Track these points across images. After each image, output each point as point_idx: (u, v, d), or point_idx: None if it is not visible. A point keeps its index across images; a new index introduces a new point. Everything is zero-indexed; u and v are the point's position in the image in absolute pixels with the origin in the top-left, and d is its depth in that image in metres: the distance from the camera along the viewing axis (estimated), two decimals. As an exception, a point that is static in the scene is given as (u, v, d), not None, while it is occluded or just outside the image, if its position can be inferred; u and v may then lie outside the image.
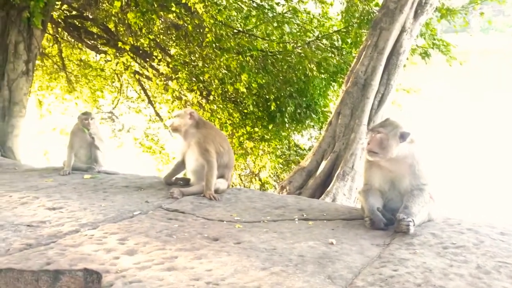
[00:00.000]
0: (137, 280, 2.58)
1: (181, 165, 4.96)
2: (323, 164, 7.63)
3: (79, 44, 12.46)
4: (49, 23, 10.19)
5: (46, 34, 10.77)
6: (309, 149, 11.40)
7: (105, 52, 12.02)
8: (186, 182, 4.96)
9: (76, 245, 3.08)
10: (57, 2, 10.18)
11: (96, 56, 12.95)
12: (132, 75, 12.42)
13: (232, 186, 6.44)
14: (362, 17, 10.20)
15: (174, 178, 5.00)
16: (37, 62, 10.72)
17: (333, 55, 10.65)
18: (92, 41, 12.00)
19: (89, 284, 2.65)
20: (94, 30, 11.85)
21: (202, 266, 2.81)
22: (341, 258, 3.01)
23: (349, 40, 10.67)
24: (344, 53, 10.71)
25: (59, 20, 10.97)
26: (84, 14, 11.48)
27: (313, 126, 11.23)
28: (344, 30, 10.73)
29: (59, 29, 11.79)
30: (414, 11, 7.81)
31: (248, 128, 11.04)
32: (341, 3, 10.84)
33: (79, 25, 11.81)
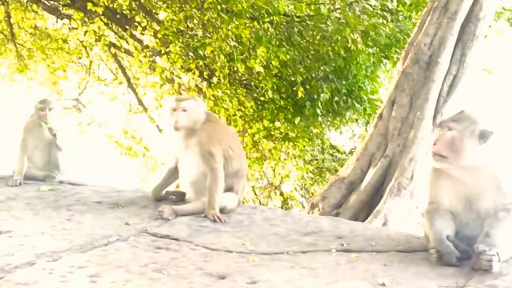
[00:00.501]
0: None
1: (174, 173, 5.00)
2: (370, 174, 7.65)
3: (34, 6, 12.57)
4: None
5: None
6: (350, 153, 11.40)
7: (70, 17, 12.11)
8: (180, 197, 5.00)
9: (30, 283, 3.12)
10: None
11: (57, 22, 13.05)
12: (106, 48, 12.51)
13: (244, 202, 6.46)
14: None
15: (164, 191, 5.04)
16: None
17: (385, 22, 10.62)
18: (52, 2, 12.12)
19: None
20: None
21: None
22: (397, 305, 3.02)
23: (407, 1, 10.64)
24: (400, 19, 10.68)
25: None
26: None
27: (357, 120, 11.22)
28: (401, -15, 10.71)
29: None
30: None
31: (265, 122, 11.05)
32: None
33: (35, -20, 11.95)
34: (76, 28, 12.15)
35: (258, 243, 4.02)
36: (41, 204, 4.88)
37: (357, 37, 10.06)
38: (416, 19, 9.87)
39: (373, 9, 10.83)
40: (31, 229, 4.12)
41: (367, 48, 10.41)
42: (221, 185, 4.67)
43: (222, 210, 4.62)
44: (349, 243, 4.05)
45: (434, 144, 3.62)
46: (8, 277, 3.23)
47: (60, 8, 12.15)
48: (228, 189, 4.78)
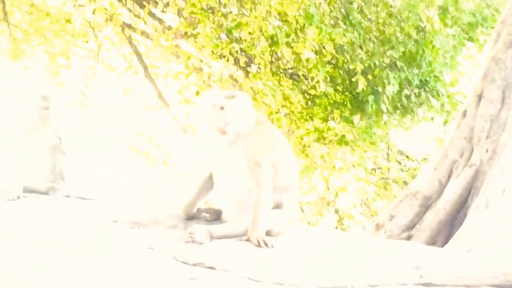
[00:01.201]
0: None
1: (208, 185, 5.01)
2: (451, 187, 7.59)
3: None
4: None
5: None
6: (424, 160, 11.33)
7: (74, -9, 12.30)
8: (215, 215, 5.02)
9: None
10: None
11: (58, -3, 13.25)
12: (119, 30, 12.65)
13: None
14: None
15: (196, 208, 5.07)
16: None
17: (468, -6, 10.58)
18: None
19: None
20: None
21: None
22: None
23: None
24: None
25: None
26: None
27: (432, 118, 11.15)
28: None
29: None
30: None
31: (317, 121, 11.06)
32: None
33: None
34: (83, 5, 12.32)
35: (312, 272, 4.02)
36: (42, 227, 4.93)
37: (433, 15, 10.01)
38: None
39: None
40: (29, 264, 4.17)
41: (445, 28, 10.35)
42: (268, 203, 4.68)
43: (268, 233, 4.63)
44: (429, 275, 4.03)
45: None
46: None
47: (63, -20, 12.34)
48: (276, 206, 4.78)
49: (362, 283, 3.89)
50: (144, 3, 11.92)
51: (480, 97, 7.82)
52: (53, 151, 6.08)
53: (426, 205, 7.76)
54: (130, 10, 12.53)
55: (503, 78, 7.68)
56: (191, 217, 5.05)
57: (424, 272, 4.07)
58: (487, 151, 7.51)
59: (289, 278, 3.95)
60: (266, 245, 4.50)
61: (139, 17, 12.49)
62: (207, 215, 5.06)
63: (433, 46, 10.47)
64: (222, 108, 4.67)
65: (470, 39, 10.65)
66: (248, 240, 4.55)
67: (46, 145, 6.10)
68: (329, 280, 3.92)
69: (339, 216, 11.82)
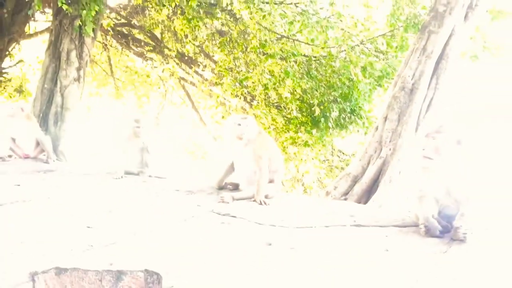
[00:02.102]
0: (195, 283, 2.65)
1: (231, 168, 5.02)
2: (369, 170, 7.54)
3: (126, 51, 12.83)
4: (99, 31, 10.56)
5: (95, 42, 11.16)
6: (353, 155, 11.29)
7: (151, 59, 12.31)
8: (235, 186, 5.03)
9: (135, 247, 3.18)
10: (106, 11, 10.53)
11: (142, 62, 13.28)
12: (177, 81, 12.67)
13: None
14: (408, 21, 10.05)
15: (224, 182, 5.07)
16: (88, 69, 11.10)
17: (378, 60, 10.53)
18: (139, 48, 12.33)
19: (150, 285, 2.74)
20: (141, 37, 12.18)
21: (257, 271, 2.85)
22: (397, 265, 2.98)
23: (394, 44, 10.53)
24: (389, 57, 10.58)
25: (108, 28, 11.34)
26: (132, 22, 11.82)
27: (358, 131, 11.11)
28: (390, 33, 10.59)
29: (108, 37, 12.18)
30: (464, 14, 7.65)
31: (291, 133, 11.04)
32: (386, 6, 10.73)
33: (127, 32, 12.17)
34: (156, 67, 12.34)
35: (292, 219, 4.03)
36: (137, 191, 4.95)
37: (358, 71, 10.00)
38: (401, 56, 9.76)
39: (369, 50, 10.72)
40: (132, 209, 4.19)
41: (365, 79, 10.33)
42: (266, 179, 4.69)
43: (265, 197, 4.64)
44: (359, 220, 4.02)
45: (424, 149, 3.58)
46: (119, 243, 3.29)
47: (145, 52, 12.33)
48: (270, 181, 4.79)
49: (320, 224, 3.89)
50: (192, 65, 11.94)
51: (385, 118, 7.76)
52: (141, 150, 6.08)
53: (355, 181, 7.68)
54: (183, 70, 12.54)
55: (398, 107, 7.63)
56: (221, 188, 5.06)
57: (356, 218, 4.08)
58: (390, 149, 7.47)
59: (278, 222, 3.95)
60: (265, 203, 4.51)
61: (188, 73, 12.50)
62: (230, 186, 5.06)
63: (358, 90, 10.44)
64: (239, 124, 4.69)
65: (380, 85, 10.59)
66: (254, 201, 4.57)
67: (137, 147, 6.11)
68: (302, 223, 3.93)
69: (304, 188, 11.77)
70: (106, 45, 12.41)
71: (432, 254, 3.20)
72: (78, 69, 9.55)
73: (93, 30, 9.44)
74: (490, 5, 8.88)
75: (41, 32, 11.25)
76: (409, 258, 3.11)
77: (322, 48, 10.75)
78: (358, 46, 10.79)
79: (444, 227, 3.54)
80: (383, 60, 10.57)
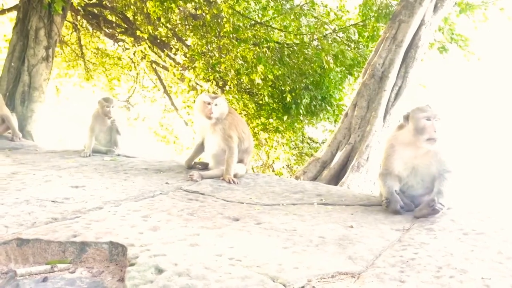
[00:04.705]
0: (161, 254, 2.61)
1: (200, 148, 4.98)
2: (338, 155, 7.62)
3: (97, 33, 12.53)
4: (69, 11, 10.27)
5: (65, 22, 10.86)
6: (323, 142, 11.39)
7: (123, 41, 12.08)
8: (204, 166, 4.99)
9: (100, 220, 3.11)
10: (77, -10, 10.27)
11: (114, 45, 13.01)
12: (149, 64, 12.48)
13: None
14: (380, 11, 10.14)
15: (193, 161, 5.03)
16: (56, 49, 10.81)
17: (349, 48, 10.60)
18: (110, 30, 12.07)
19: (114, 257, 2.69)
20: (113, 18, 11.91)
21: (224, 243, 2.84)
22: (361, 240, 3.01)
23: (366, 34, 10.62)
24: (360, 47, 10.66)
25: (79, 8, 11.04)
26: (103, 3, 11.54)
27: (328, 118, 11.20)
28: (361, 23, 10.68)
29: (78, 17, 11.87)
30: (434, 5, 7.76)
31: (263, 119, 11.06)
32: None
33: (98, 13, 11.88)
34: (128, 49, 12.11)
35: (261, 197, 4.02)
36: (105, 169, 4.86)
37: (329, 59, 10.04)
38: (372, 46, 9.84)
39: (341, 39, 10.78)
40: (98, 185, 4.11)
41: (336, 67, 10.38)
42: (235, 159, 4.67)
43: (235, 176, 4.62)
44: (326, 199, 4.05)
45: (435, 131, 3.54)
46: (84, 216, 3.23)
47: (116, 34, 12.08)
48: (240, 161, 4.77)
49: (288, 203, 3.90)
50: (164, 49, 11.77)
51: (355, 105, 7.85)
52: (110, 130, 5.98)
53: (324, 166, 7.77)
54: (155, 53, 12.36)
55: (368, 95, 7.72)
56: (190, 167, 5.01)
57: (323, 198, 4.10)
58: (358, 135, 7.56)
59: (246, 199, 3.94)
60: (234, 182, 4.50)
61: (160, 57, 12.32)
62: (200, 166, 5.02)
63: (329, 78, 10.51)
64: (209, 103, 4.64)
65: (350, 74, 10.68)
66: (223, 179, 4.55)
67: (106, 126, 5.99)
68: (270, 201, 3.93)
69: (275, 174, 11.81)
70: (76, 25, 12.09)
71: (395, 231, 3.24)
72: (47, 48, 9.30)
73: (63, 8, 9.19)
74: (459, -3, 9.04)
75: (9, 9, 10.88)
76: (373, 234, 3.14)
77: (295, 35, 10.75)
78: (331, 34, 10.83)
79: (406, 205, 3.59)
80: (354, 49, 10.64)
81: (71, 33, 12.42)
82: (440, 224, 3.35)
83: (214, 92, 10.89)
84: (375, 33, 10.16)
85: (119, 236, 2.82)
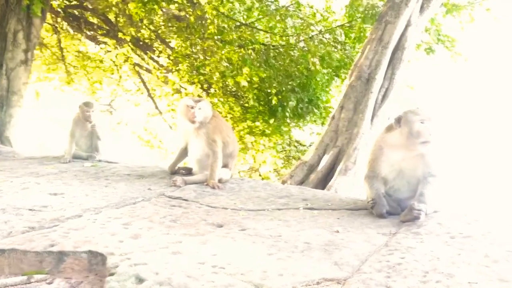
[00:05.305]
0: (142, 262, 2.58)
1: (184, 153, 4.95)
2: (325, 159, 7.63)
3: (78, 35, 12.42)
4: (48, 13, 10.17)
5: (45, 24, 10.75)
6: (310, 145, 11.40)
7: (105, 43, 11.99)
8: (188, 171, 4.96)
9: (79, 229, 3.07)
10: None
11: (95, 47, 12.91)
12: (132, 67, 12.40)
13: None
14: (366, 12, 10.20)
15: (177, 166, 5.00)
16: (36, 52, 10.69)
17: (336, 50, 10.64)
18: (92, 32, 11.98)
19: (94, 266, 2.66)
20: (94, 20, 11.82)
21: (208, 251, 2.82)
22: (348, 245, 3.01)
23: (352, 35, 10.68)
24: (347, 48, 10.72)
25: (59, 10, 10.94)
26: (84, 4, 11.45)
27: (315, 121, 11.23)
28: (348, 24, 10.74)
29: (59, 19, 11.76)
30: (420, 5, 7.84)
31: (248, 122, 11.04)
32: (345, -3, 10.88)
33: (79, 15, 11.78)
34: (110, 51, 12.03)
35: (246, 203, 4.01)
36: (85, 175, 4.81)
37: (316, 61, 10.07)
38: (359, 48, 9.89)
39: (327, 41, 10.82)
40: (78, 192, 4.06)
41: (323, 69, 10.41)
42: (220, 164, 4.65)
43: (219, 181, 4.60)
44: (312, 203, 4.05)
45: (429, 135, 3.56)
46: (62, 224, 3.19)
47: (98, 37, 11.99)
48: (224, 165, 4.76)
49: (273, 208, 3.89)
50: (147, 51, 11.71)
51: (342, 108, 7.88)
52: (91, 134, 5.92)
53: (311, 170, 7.77)
54: (138, 55, 12.28)
55: (355, 97, 7.75)
56: (174, 172, 4.98)
57: (309, 202, 4.10)
58: (345, 138, 7.58)
59: (231, 205, 3.93)
60: (218, 187, 4.48)
61: (144, 59, 12.25)
62: (183, 171, 4.99)
63: (316, 80, 10.54)
64: (192, 107, 4.62)
65: (337, 75, 10.72)
66: (207, 184, 4.52)
67: (87, 132, 5.94)
68: (255, 206, 3.91)
69: (262, 178, 11.80)
70: (56, 27, 11.97)
71: (382, 235, 3.25)
72: (26, 51, 9.18)
73: (42, 10, 9.09)
74: (445, -2, 9.14)
75: (-14, 11, 10.73)
76: (359, 239, 3.14)
77: (281, 36, 10.78)
78: (317, 36, 10.87)
79: (393, 208, 3.61)
80: (341, 50, 10.69)
81: (51, 35, 12.30)
82: (427, 227, 3.37)
83: (199, 95, 10.85)
84: (361, 34, 10.21)
85: (99, 245, 2.79)
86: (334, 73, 10.65)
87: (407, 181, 3.70)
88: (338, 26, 10.96)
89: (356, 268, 2.68)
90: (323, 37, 10.93)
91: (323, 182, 7.53)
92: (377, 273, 2.60)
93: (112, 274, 2.44)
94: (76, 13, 11.74)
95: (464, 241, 3.09)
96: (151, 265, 2.56)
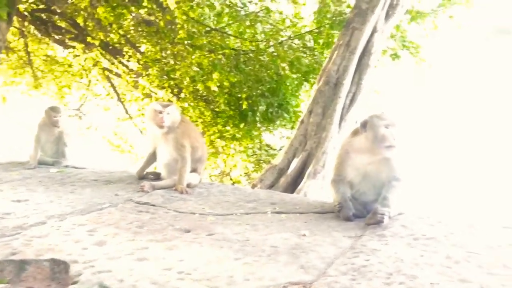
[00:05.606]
0: (106, 270, 2.52)
1: (152, 158, 4.88)
2: (295, 163, 7.68)
3: (46, 39, 12.15)
4: (15, 16, 9.91)
5: (11, 28, 10.47)
6: (280, 149, 11.43)
7: (73, 47, 11.76)
8: (156, 176, 4.90)
9: (42, 236, 2.99)
10: (23, -6, 9.94)
11: (63, 51, 12.64)
12: (101, 71, 12.20)
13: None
14: (334, 18, 10.32)
15: (145, 171, 4.93)
16: (2, 56, 10.40)
17: (305, 55, 10.72)
18: (60, 36, 11.72)
19: (56, 274, 2.58)
20: (62, 24, 11.58)
21: (174, 257, 2.77)
22: (314, 249, 3.02)
23: (321, 41, 10.78)
24: (316, 54, 10.81)
25: (26, 13, 10.69)
26: (52, 8, 11.21)
27: (285, 125, 11.27)
28: (317, 30, 10.83)
29: (26, 23, 11.47)
30: (386, 12, 7.97)
31: (219, 126, 11.01)
32: (313, 3, 10.96)
33: (47, 19, 11.51)
34: (78, 56, 11.80)
35: (214, 207, 3.97)
36: (50, 181, 4.69)
37: (285, 66, 10.13)
38: (327, 54, 9.98)
39: (297, 46, 10.89)
40: (42, 199, 3.95)
41: (292, 74, 10.48)
42: (188, 169, 4.60)
43: (187, 186, 4.55)
44: (280, 207, 4.04)
45: (394, 140, 3.58)
46: (25, 232, 3.09)
47: (66, 41, 11.75)
48: (193, 170, 4.71)
49: (242, 212, 3.87)
50: (117, 55, 11.54)
51: (311, 112, 7.94)
52: (57, 139, 5.79)
53: (281, 173, 7.81)
54: (108, 60, 12.09)
55: (323, 101, 7.83)
56: (142, 177, 4.90)
57: (277, 206, 4.09)
58: (314, 142, 7.64)
59: (199, 210, 3.89)
60: (186, 192, 4.43)
61: (113, 64, 12.06)
62: (152, 176, 4.92)
63: (286, 84, 10.59)
64: (160, 112, 4.56)
65: (306, 80, 10.79)
66: (176, 189, 4.47)
67: (53, 137, 5.81)
68: (223, 211, 3.89)
69: (232, 182, 11.76)
70: (23, 31, 11.68)
71: (348, 238, 3.26)
72: (-9, 55, 8.94)
73: (8, 14, 8.84)
74: (409, 5, 9.29)
75: (-51, 14, 10.39)
76: (326, 242, 3.15)
77: (251, 42, 10.79)
78: (286, 41, 10.93)
79: (359, 211, 3.64)
80: (310, 56, 10.78)
81: (18, 39, 11.99)
82: (391, 230, 3.41)
83: (169, 100, 10.75)
84: (329, 40, 10.31)
85: (62, 253, 2.72)
86: (303, 78, 10.72)
87: (373, 184, 3.74)
88: (307, 32, 11.04)
89: (322, 271, 2.68)
90: (292, 42, 10.99)
91: (293, 186, 7.56)
92: (343, 276, 2.61)
93: (75, 283, 2.37)
94: (44, 17, 11.48)
95: (427, 243, 3.14)
96: (116, 272, 2.50)
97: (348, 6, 10.24)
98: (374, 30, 7.86)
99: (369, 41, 7.86)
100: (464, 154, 16.39)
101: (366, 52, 7.86)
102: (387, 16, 8.00)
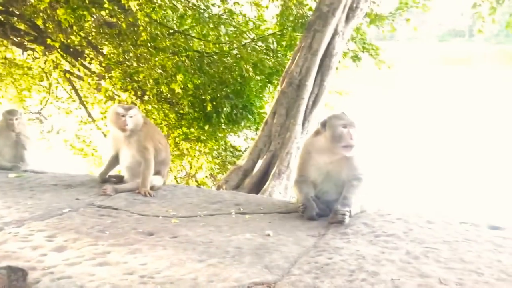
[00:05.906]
0: (66, 276, 2.44)
1: (115, 161, 4.77)
2: (259, 163, 7.66)
3: (4, 41, 11.74)
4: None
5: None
6: (245, 150, 11.42)
7: (33, 50, 11.41)
8: (119, 179, 4.79)
9: (-1, 243, 2.87)
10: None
11: (22, 54, 12.24)
12: (62, 74, 11.87)
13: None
14: (296, 21, 10.38)
15: (107, 175, 4.81)
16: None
17: (268, 57, 10.73)
18: (19, 38, 11.35)
19: (14, 282, 2.47)
20: (21, 26, 11.22)
21: (136, 260, 2.71)
22: (278, 248, 3.01)
23: (284, 43, 10.82)
24: (279, 56, 10.84)
25: (-18, 15, 10.31)
26: (10, 10, 10.84)
27: (249, 127, 11.25)
28: (279, 33, 10.87)
29: (-18, 25, 11.06)
30: (346, 15, 8.05)
31: (184, 129, 10.89)
32: (276, 7, 11.01)
33: (5, 21, 11.12)
34: (38, 58, 11.46)
35: (178, 209, 3.92)
36: (8, 187, 4.52)
37: (249, 68, 10.10)
38: (290, 56, 10.02)
39: (260, 48, 10.90)
40: (2, 203, 3.81)
41: (256, 76, 10.45)
42: (152, 171, 4.52)
43: (151, 188, 4.47)
44: (245, 208, 4.03)
45: (352, 139, 3.61)
46: (-20, 239, 2.96)
47: (25, 43, 11.39)
48: (156, 172, 4.63)
49: (206, 214, 3.83)
50: (78, 58, 11.27)
51: (274, 113, 7.93)
52: (16, 143, 5.59)
53: (246, 174, 7.78)
54: (69, 62, 11.78)
55: (287, 102, 7.83)
56: (104, 181, 4.77)
57: (242, 207, 4.07)
58: (278, 143, 7.64)
59: (163, 212, 3.83)
60: (150, 195, 4.35)
61: (75, 66, 11.76)
62: (114, 179, 4.81)
63: (250, 86, 10.57)
64: (123, 115, 4.47)
65: (270, 82, 10.79)
66: (139, 192, 4.38)
67: (11, 141, 5.61)
68: (187, 213, 3.83)
69: (198, 184, 11.66)
70: (-21, 33, 11.26)
71: (311, 237, 3.28)
72: None
73: (-37, 15, 8.52)
74: (368, 9, 9.44)
75: None
76: (290, 242, 3.15)
77: (214, 44, 10.73)
78: (250, 43, 10.92)
79: (322, 210, 3.66)
80: (273, 58, 10.80)
81: (-26, 41, 11.56)
82: (353, 227, 3.44)
83: (133, 102, 10.56)
84: (292, 42, 10.35)
85: (19, 260, 2.62)
86: (267, 80, 10.71)
87: (334, 183, 3.77)
88: (270, 34, 11.06)
89: (286, 270, 2.68)
90: (255, 44, 10.99)
91: (258, 186, 7.55)
92: (306, 274, 2.61)
93: (33, 290, 2.29)
94: (2, 18, 11.09)
95: (387, 240, 3.18)
96: (76, 278, 2.42)
97: (310, 9, 10.31)
98: (335, 33, 7.92)
99: (330, 43, 7.92)
100: (423, 152, 16.85)
101: (327, 54, 7.92)
102: (347, 19, 8.08)
